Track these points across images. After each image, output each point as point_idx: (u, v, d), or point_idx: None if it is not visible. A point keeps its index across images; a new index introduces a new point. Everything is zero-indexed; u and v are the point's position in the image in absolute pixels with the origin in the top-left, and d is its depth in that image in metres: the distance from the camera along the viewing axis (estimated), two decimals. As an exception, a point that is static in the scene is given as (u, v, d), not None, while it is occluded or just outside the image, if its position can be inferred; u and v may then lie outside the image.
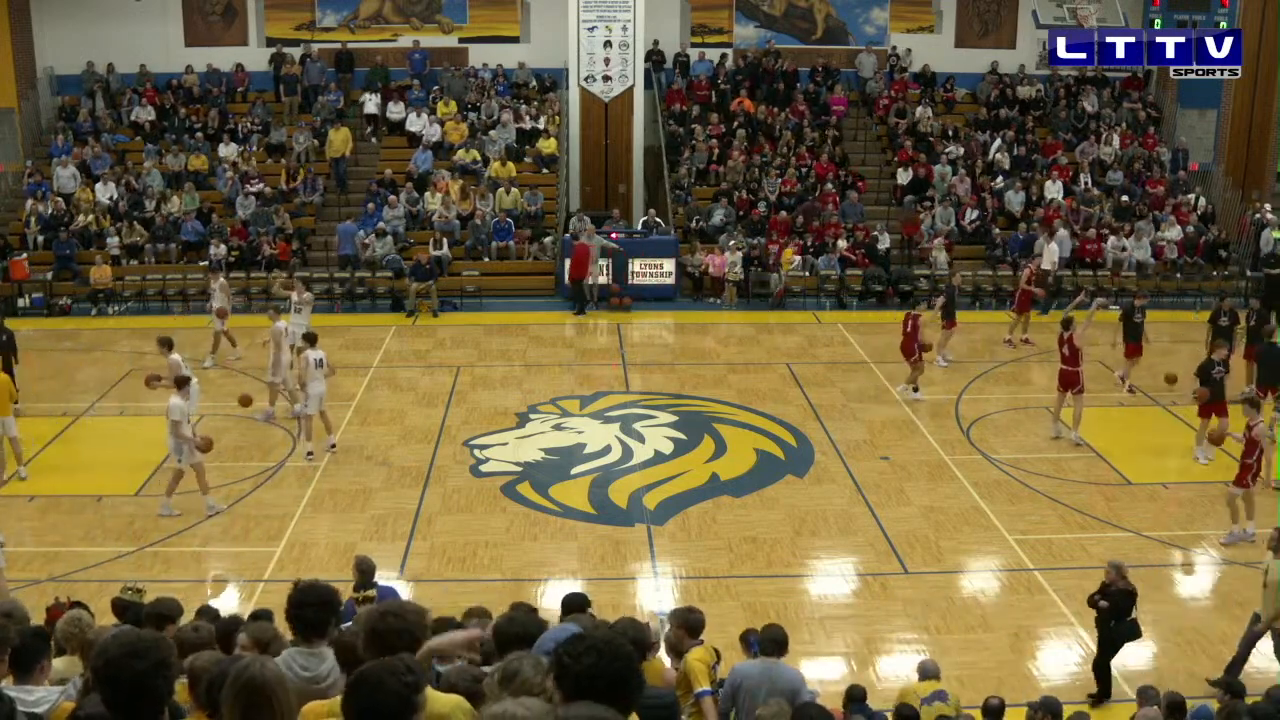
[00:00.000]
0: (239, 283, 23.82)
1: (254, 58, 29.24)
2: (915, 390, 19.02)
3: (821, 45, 30.50)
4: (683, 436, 17.41)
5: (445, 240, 25.28)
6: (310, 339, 17.14)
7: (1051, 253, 24.09)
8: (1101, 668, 11.01)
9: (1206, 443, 16.46)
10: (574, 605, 8.12)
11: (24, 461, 15.96)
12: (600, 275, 24.61)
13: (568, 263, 24.36)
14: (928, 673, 9.72)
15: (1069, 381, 17.08)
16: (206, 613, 9.05)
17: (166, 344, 16.68)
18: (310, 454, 16.52)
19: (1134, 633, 10.93)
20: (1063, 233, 25.45)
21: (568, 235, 24.99)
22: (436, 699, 4.36)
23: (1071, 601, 12.62)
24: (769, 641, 8.17)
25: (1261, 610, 11.15)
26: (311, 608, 5.26)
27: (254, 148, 27.76)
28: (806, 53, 30.36)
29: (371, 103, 28.66)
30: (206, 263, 24.53)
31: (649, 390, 19.58)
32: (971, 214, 26.62)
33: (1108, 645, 11.00)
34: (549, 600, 11.93)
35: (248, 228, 25.60)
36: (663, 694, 6.50)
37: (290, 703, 3.83)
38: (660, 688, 6.81)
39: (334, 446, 16.71)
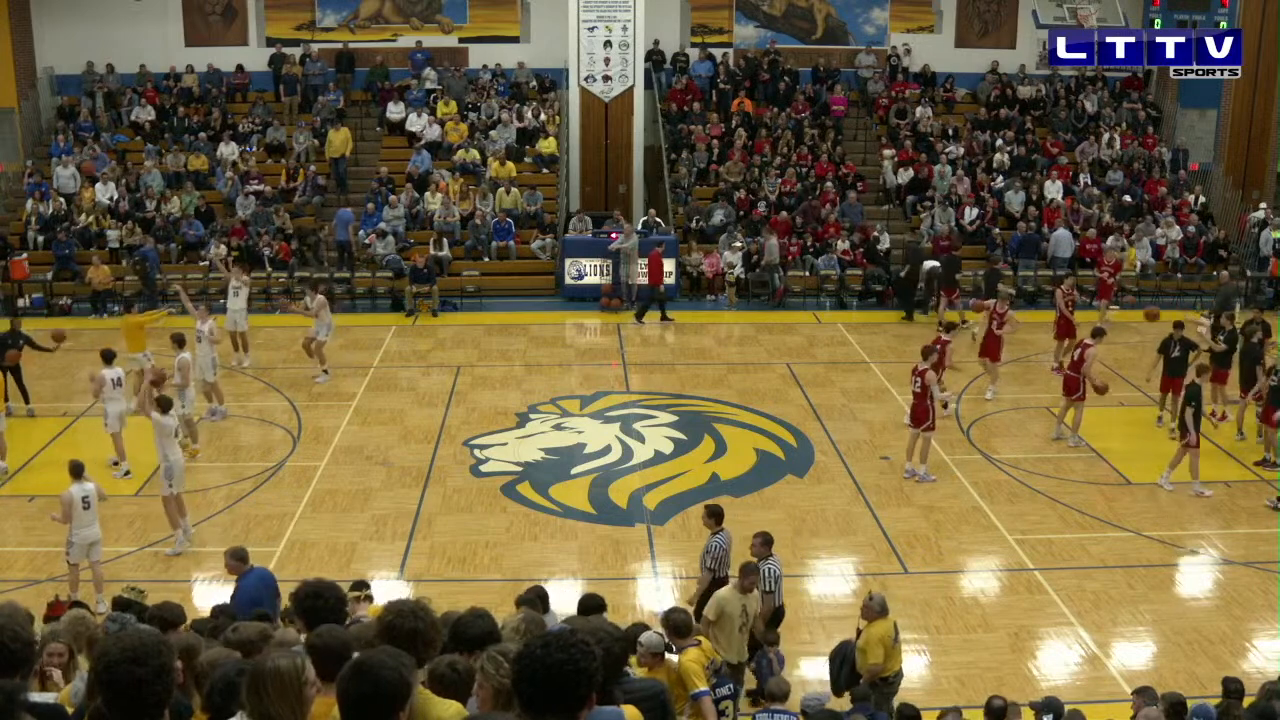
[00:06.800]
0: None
1: (254, 58, 29.23)
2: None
3: (821, 45, 30.49)
4: (683, 436, 17.41)
5: (445, 240, 25.28)
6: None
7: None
8: None
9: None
10: (590, 608, 8.21)
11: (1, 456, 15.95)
12: (639, 276, 24.61)
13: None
14: None
15: (1069, 388, 17.11)
16: (225, 611, 9.02)
17: (179, 341, 16.57)
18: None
19: None
20: (1062, 232, 25.47)
21: (617, 239, 24.75)
22: (437, 705, 4.35)
23: (1072, 601, 12.64)
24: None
25: (725, 650, 9.99)
26: (321, 601, 5.34)
27: (254, 148, 27.76)
28: (806, 53, 30.37)
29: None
30: (207, 262, 24.54)
31: (649, 390, 19.58)
32: (971, 214, 26.62)
33: None
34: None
35: (248, 228, 25.60)
36: (649, 684, 6.46)
37: (293, 692, 3.89)
38: (647, 679, 6.79)
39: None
